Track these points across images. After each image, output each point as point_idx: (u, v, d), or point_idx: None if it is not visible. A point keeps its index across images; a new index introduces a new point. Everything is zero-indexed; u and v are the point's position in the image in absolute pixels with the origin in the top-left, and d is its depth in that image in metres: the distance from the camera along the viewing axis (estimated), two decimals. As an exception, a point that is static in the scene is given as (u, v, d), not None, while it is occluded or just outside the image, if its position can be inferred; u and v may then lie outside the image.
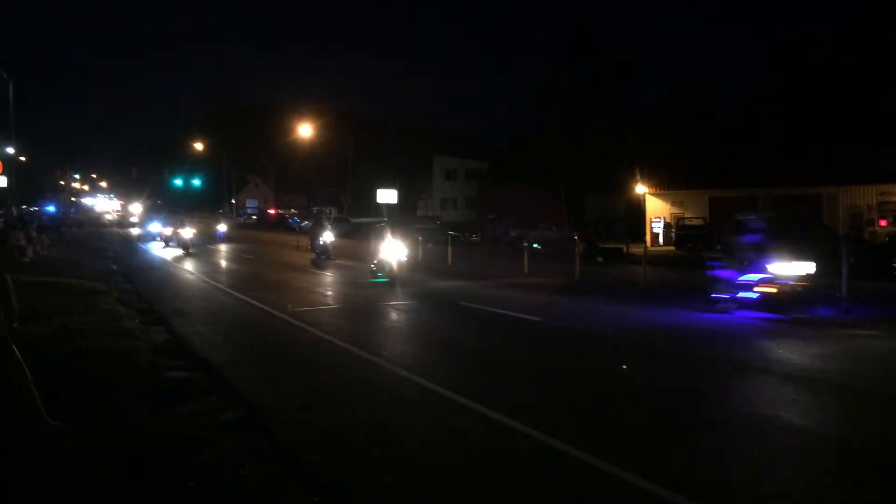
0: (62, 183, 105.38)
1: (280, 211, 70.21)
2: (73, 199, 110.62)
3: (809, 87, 40.38)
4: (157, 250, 32.42)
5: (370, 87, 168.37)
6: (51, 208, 62.59)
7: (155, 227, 39.83)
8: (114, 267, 23.91)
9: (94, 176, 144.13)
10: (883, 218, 31.07)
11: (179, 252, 30.07)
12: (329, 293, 17.21)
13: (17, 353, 5.49)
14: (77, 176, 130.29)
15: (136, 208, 71.32)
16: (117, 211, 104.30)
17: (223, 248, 34.79)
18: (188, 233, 31.16)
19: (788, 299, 11.88)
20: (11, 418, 5.53)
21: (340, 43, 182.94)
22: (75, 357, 8.22)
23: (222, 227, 41.24)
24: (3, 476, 4.90)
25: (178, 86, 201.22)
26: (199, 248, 32.12)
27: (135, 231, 51.66)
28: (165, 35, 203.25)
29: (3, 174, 28.66)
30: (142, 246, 36.74)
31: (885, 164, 29.98)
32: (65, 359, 8.02)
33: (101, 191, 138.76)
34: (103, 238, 45.08)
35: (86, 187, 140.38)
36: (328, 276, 20.85)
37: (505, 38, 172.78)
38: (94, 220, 76.18)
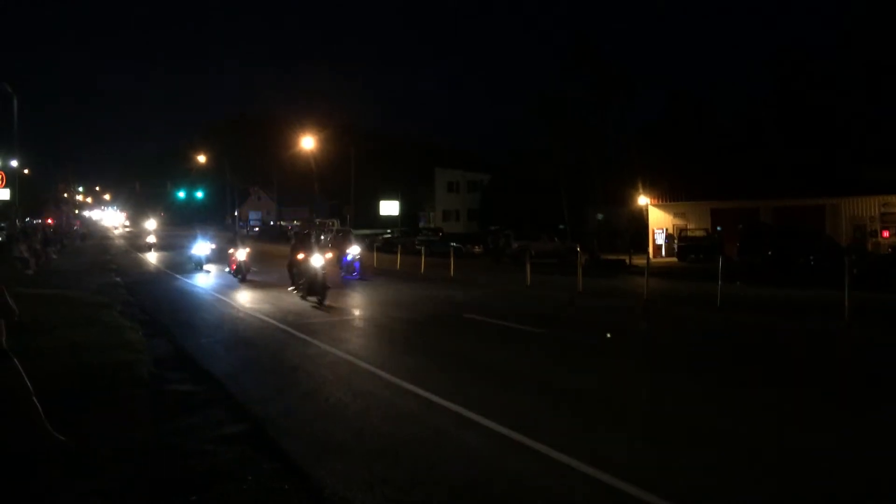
0: (66, 195, 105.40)
1: (282, 223, 70.37)
2: (77, 211, 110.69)
3: (810, 97, 40.48)
4: (242, 299, 17.30)
5: (372, 100, 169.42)
6: (51, 221, 62.58)
7: (202, 247, 26.52)
8: (117, 279, 23.66)
9: (97, 189, 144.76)
10: (886, 229, 31.03)
11: (302, 305, 15.63)
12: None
13: (19, 365, 5.48)
14: (80, 189, 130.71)
15: (151, 224, 54.36)
16: (125, 225, 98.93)
17: (401, 294, 18.34)
18: (318, 260, 16.35)
19: None
20: (14, 432, 5.51)
21: (342, 55, 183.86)
22: (78, 370, 8.19)
23: (355, 250, 23.77)
24: (9, 490, 4.89)
25: (180, 98, 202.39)
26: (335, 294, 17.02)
27: (153, 254, 37.64)
28: (168, 47, 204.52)
29: (6, 187, 28.78)
30: (187, 281, 22.54)
31: (886, 175, 29.98)
32: (67, 371, 8.00)
33: (105, 203, 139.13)
34: (111, 257, 36.34)
35: (89, 200, 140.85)
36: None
37: (506, 49, 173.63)
38: (99, 234, 74.83)
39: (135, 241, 53.18)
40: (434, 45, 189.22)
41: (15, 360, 5.47)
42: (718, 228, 35.23)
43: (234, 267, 22.42)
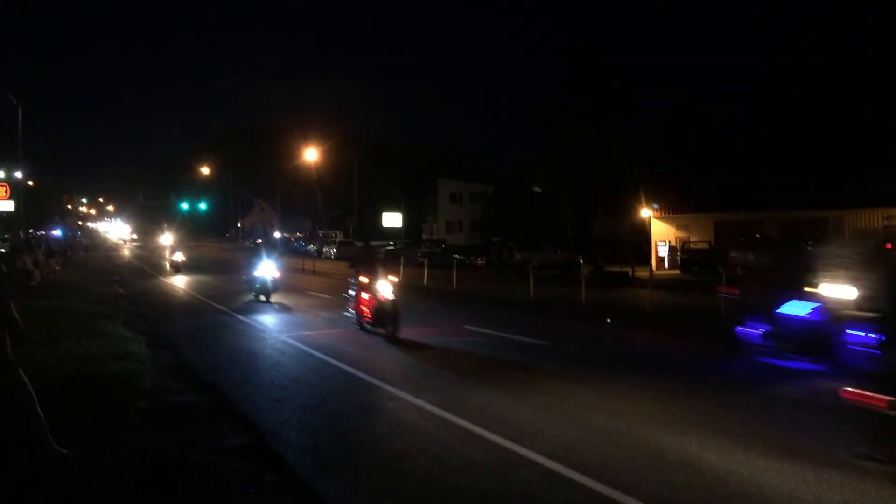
0: (69, 207, 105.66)
1: (286, 234, 70.38)
2: (81, 222, 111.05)
3: (813, 109, 40.57)
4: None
5: (375, 111, 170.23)
6: (57, 232, 62.50)
7: (268, 269, 18.88)
8: (119, 290, 23.57)
9: (101, 200, 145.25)
10: (889, 242, 30.96)
11: None
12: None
13: (24, 376, 5.49)
14: (84, 200, 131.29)
15: (168, 238, 46.22)
16: (133, 238, 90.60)
17: None
18: None
19: None
20: (18, 444, 5.51)
21: (345, 67, 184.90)
22: (81, 381, 8.19)
23: None
24: (11, 501, 4.88)
25: (184, 109, 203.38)
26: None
27: (181, 278, 30.12)
28: (171, 58, 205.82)
29: (10, 198, 28.83)
30: (299, 346, 11.49)
31: (889, 188, 29.99)
32: (71, 382, 8.00)
33: (110, 215, 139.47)
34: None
35: (93, 212, 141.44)
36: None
37: (509, 61, 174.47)
38: (105, 247, 73.34)
39: (149, 259, 45.22)
40: (436, 54, 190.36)
41: (20, 370, 5.48)
42: (705, 245, 34.97)
43: (370, 313, 12.57)
